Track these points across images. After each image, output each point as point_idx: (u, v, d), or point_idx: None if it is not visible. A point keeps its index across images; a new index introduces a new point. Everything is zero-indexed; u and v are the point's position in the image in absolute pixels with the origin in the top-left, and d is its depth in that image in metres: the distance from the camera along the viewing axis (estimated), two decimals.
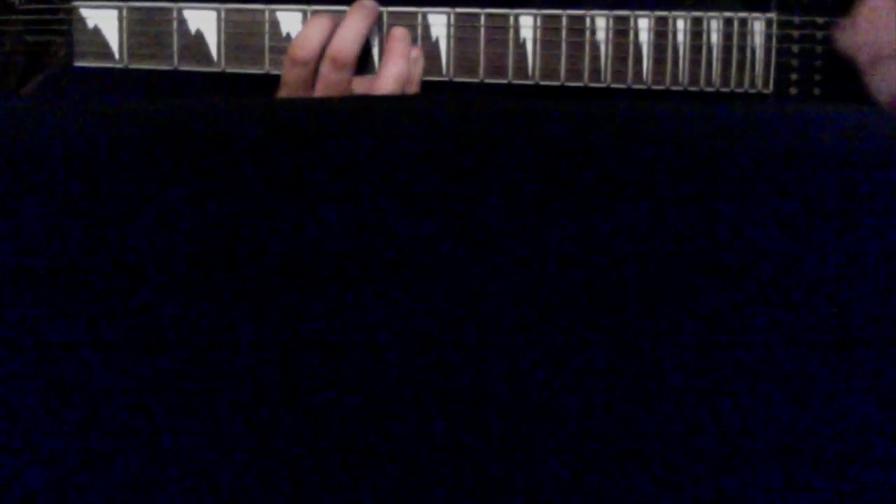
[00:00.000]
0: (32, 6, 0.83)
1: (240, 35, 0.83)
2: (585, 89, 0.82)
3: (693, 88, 0.82)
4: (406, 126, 0.56)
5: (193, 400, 0.51)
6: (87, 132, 0.55)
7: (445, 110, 0.61)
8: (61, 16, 0.83)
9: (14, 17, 0.82)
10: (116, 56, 0.83)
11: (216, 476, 0.51)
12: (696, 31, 0.82)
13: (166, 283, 0.50)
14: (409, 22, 0.82)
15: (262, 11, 0.82)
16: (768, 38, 0.82)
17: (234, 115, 0.59)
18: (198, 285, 0.51)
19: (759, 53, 0.82)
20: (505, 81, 0.82)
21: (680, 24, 0.82)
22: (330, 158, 0.51)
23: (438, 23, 0.82)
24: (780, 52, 0.82)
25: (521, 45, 0.82)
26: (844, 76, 0.81)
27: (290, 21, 0.82)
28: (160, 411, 0.51)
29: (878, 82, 0.79)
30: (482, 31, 0.82)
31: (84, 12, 0.83)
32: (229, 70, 0.83)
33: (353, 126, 0.55)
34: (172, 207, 0.50)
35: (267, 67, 0.83)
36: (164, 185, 0.51)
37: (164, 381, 0.51)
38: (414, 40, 0.82)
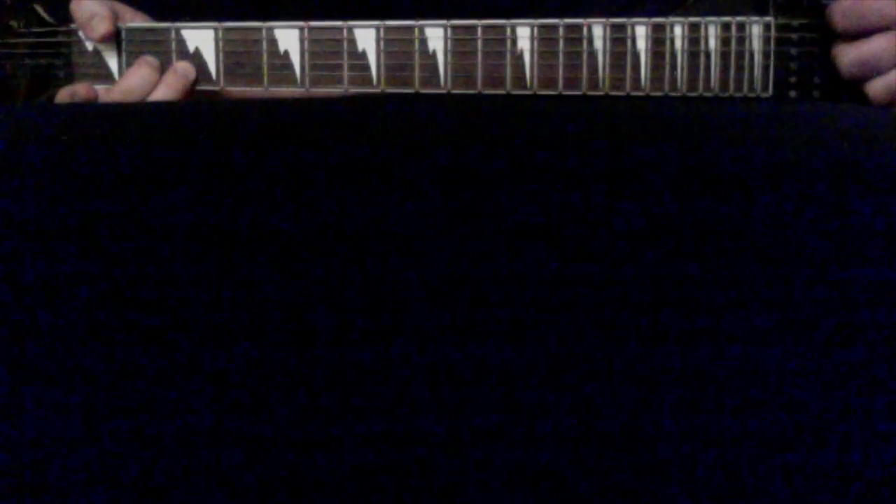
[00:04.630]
0: (33, 30, 0.83)
1: (238, 53, 0.82)
2: (584, 98, 0.81)
3: (692, 94, 0.81)
4: (406, 127, 0.55)
5: (194, 399, 0.51)
6: (88, 132, 0.54)
7: (446, 111, 0.60)
8: (60, 38, 0.83)
9: (14, 40, 0.82)
10: (116, 77, 0.82)
11: (215, 473, 0.51)
12: (694, 37, 0.80)
13: (166, 282, 0.50)
14: (406, 35, 0.82)
15: (260, 29, 0.82)
16: (766, 41, 0.81)
17: (234, 115, 0.59)
18: (197, 284, 0.50)
19: (758, 58, 0.80)
20: (503, 92, 0.82)
21: (677, 30, 0.80)
22: (330, 158, 0.51)
23: (435, 36, 0.81)
24: (778, 56, 0.81)
25: (518, 56, 0.81)
26: (842, 78, 0.80)
27: (287, 38, 0.82)
28: (159, 410, 0.51)
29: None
30: (479, 42, 0.81)
31: (83, 35, 0.83)
32: (228, 88, 0.83)
33: (353, 126, 0.54)
34: (172, 207, 0.50)
35: (266, 84, 0.82)
36: (164, 184, 0.50)
37: (164, 380, 0.50)
38: (412, 53, 0.82)
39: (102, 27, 0.81)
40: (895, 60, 0.74)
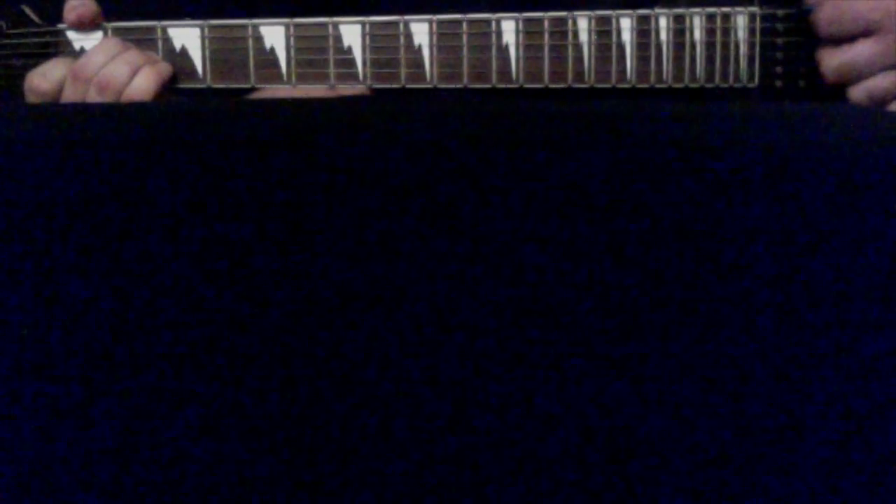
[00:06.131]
0: (20, 31, 0.83)
1: (224, 51, 0.82)
2: (569, 91, 0.81)
3: (677, 85, 0.81)
4: (406, 127, 0.55)
5: (194, 400, 0.51)
6: (87, 132, 0.54)
7: (445, 111, 0.60)
8: (49, 39, 0.83)
9: (2, 41, 0.82)
10: None
11: (215, 476, 0.51)
12: (679, 29, 0.80)
13: (165, 282, 0.50)
14: (391, 31, 0.81)
15: (246, 27, 0.81)
16: (752, 32, 0.80)
17: (234, 114, 0.59)
18: (197, 284, 0.50)
19: (743, 48, 0.80)
20: (489, 86, 0.82)
21: (662, 21, 0.80)
22: (329, 158, 0.51)
23: (421, 31, 0.81)
24: (764, 46, 0.80)
25: (503, 50, 0.81)
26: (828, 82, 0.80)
27: (273, 35, 0.82)
28: (159, 412, 0.51)
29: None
30: (464, 37, 0.81)
31: (71, 34, 0.83)
32: (215, 85, 0.83)
33: (352, 126, 0.54)
34: (172, 207, 0.50)
35: (252, 81, 0.82)
36: (164, 184, 0.50)
37: (162, 381, 0.51)
38: (397, 49, 0.82)
39: (82, 7, 0.81)
40: (876, 66, 0.75)
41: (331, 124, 0.55)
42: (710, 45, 0.80)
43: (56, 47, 0.83)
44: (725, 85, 0.80)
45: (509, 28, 0.80)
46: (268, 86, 0.82)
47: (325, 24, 0.81)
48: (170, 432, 0.51)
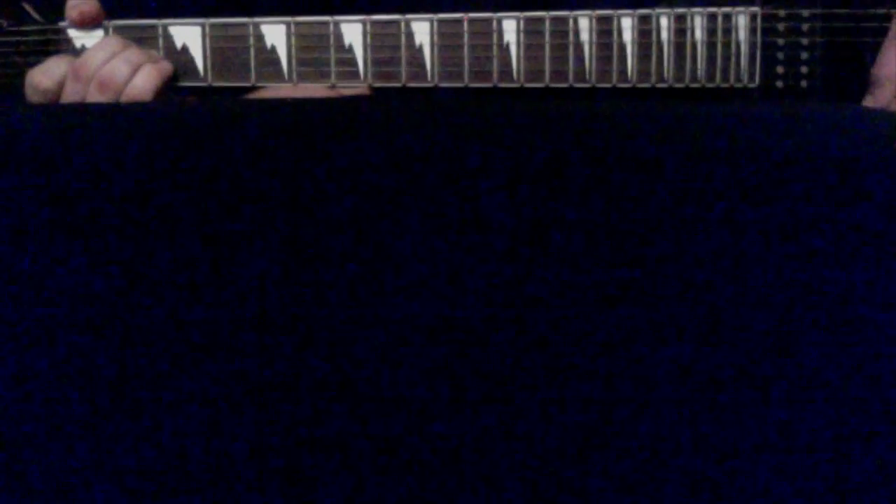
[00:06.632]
0: (20, 28, 0.83)
1: (225, 49, 0.82)
2: (570, 90, 0.81)
3: (678, 85, 0.81)
4: (406, 127, 0.55)
5: (194, 398, 0.51)
6: (87, 132, 0.55)
7: (446, 111, 0.60)
8: (49, 36, 0.83)
9: (3, 38, 0.82)
10: None
11: (215, 474, 0.51)
12: (680, 29, 0.80)
13: (166, 281, 0.50)
14: (392, 30, 0.81)
15: (247, 25, 0.81)
16: (753, 32, 0.80)
17: (233, 114, 0.59)
18: (198, 283, 0.50)
19: (744, 48, 0.80)
20: (490, 85, 0.82)
21: (663, 21, 0.80)
22: (329, 158, 0.51)
23: (422, 29, 0.81)
24: (765, 46, 0.80)
25: (504, 49, 0.81)
26: (830, 68, 0.80)
27: (274, 33, 0.82)
28: (159, 410, 0.51)
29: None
30: (465, 36, 0.81)
31: (72, 32, 0.83)
32: (216, 84, 0.83)
33: (352, 126, 0.54)
34: (172, 206, 0.50)
35: (253, 80, 0.82)
36: (164, 184, 0.50)
37: (163, 379, 0.51)
38: (398, 47, 0.82)
39: (85, 5, 0.81)
40: None
41: (331, 124, 0.55)
42: (711, 45, 0.80)
43: (57, 45, 0.83)
44: (726, 85, 0.80)
45: (510, 27, 0.80)
46: (268, 84, 0.82)
47: (326, 23, 0.81)
48: (169, 430, 0.52)
